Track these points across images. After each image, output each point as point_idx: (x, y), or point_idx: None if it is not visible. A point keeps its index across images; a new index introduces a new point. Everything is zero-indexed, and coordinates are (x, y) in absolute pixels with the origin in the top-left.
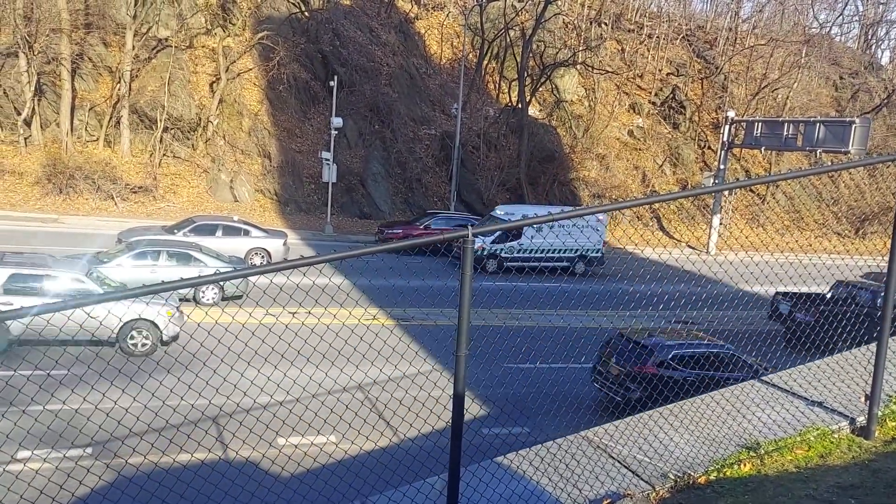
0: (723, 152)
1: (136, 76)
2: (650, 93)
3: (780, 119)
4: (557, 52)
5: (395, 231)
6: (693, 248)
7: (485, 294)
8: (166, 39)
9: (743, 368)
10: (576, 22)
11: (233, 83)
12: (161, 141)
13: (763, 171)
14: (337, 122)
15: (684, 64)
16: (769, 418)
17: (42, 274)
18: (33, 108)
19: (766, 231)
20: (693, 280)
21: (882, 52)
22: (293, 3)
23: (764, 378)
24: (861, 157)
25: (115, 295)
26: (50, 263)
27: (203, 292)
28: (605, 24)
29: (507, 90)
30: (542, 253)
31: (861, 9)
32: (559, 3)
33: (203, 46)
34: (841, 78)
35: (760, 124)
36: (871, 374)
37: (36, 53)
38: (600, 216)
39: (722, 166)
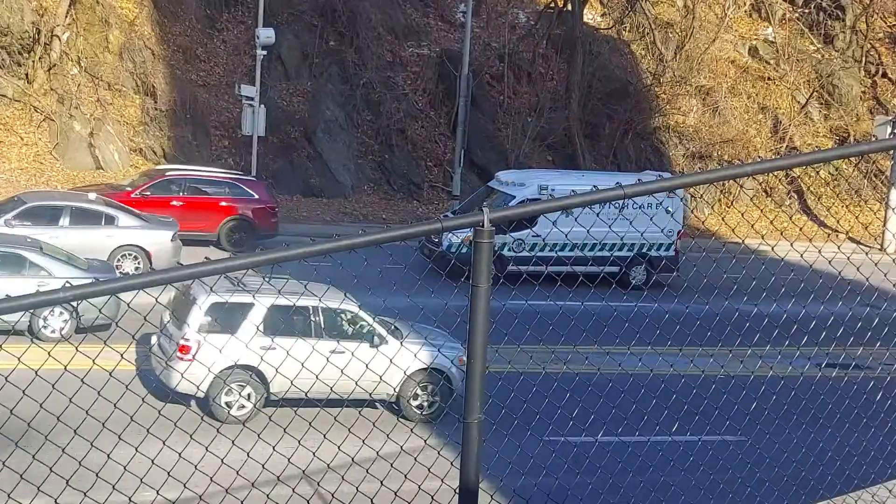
0: None
1: None
2: None
3: None
4: None
5: None
6: (858, 243)
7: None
8: None
9: None
10: None
11: None
12: None
13: None
14: (266, 35)
15: None
16: None
17: None
18: None
19: None
20: (859, 295)
21: None
22: None
23: None
24: None
25: None
26: None
27: (45, 320)
28: None
29: None
30: (572, 250)
31: None
32: None
33: None
34: None
35: None
36: None
37: None
38: (676, 190)
39: None
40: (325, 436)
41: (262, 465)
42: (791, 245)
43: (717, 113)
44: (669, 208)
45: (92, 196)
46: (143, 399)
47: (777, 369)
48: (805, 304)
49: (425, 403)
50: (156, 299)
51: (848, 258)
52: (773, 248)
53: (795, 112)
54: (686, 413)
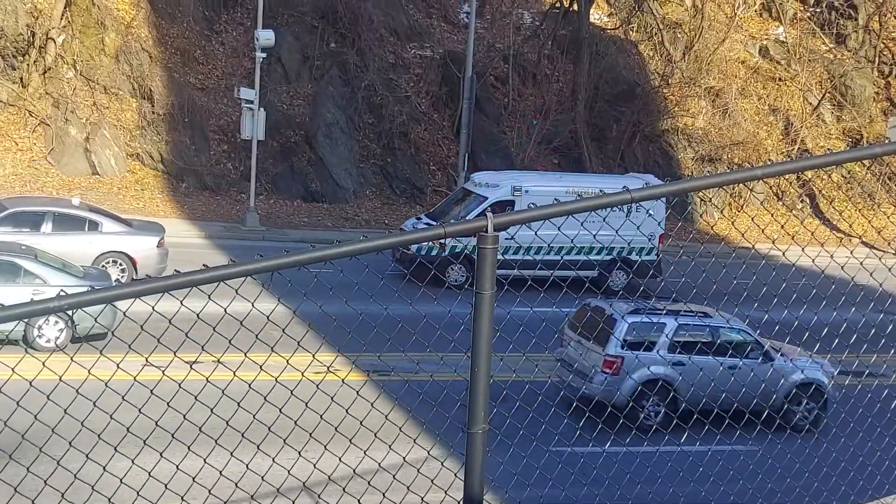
0: None
1: None
2: None
3: None
4: None
5: None
6: (871, 247)
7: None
8: None
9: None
10: None
11: None
12: None
13: None
14: (266, 37)
15: None
16: None
17: None
18: None
19: None
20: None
21: None
22: None
23: None
24: None
25: None
26: None
27: (40, 330)
28: None
29: None
30: (549, 253)
31: None
32: None
33: None
34: None
35: None
36: None
37: None
38: None
39: None
40: (325, 447)
41: (262, 478)
42: (802, 250)
43: (726, 115)
44: (651, 211)
45: (75, 201)
46: (139, 410)
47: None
48: (817, 311)
49: (806, 413)
50: (153, 307)
51: (861, 263)
52: (784, 253)
53: (807, 114)
54: (696, 422)
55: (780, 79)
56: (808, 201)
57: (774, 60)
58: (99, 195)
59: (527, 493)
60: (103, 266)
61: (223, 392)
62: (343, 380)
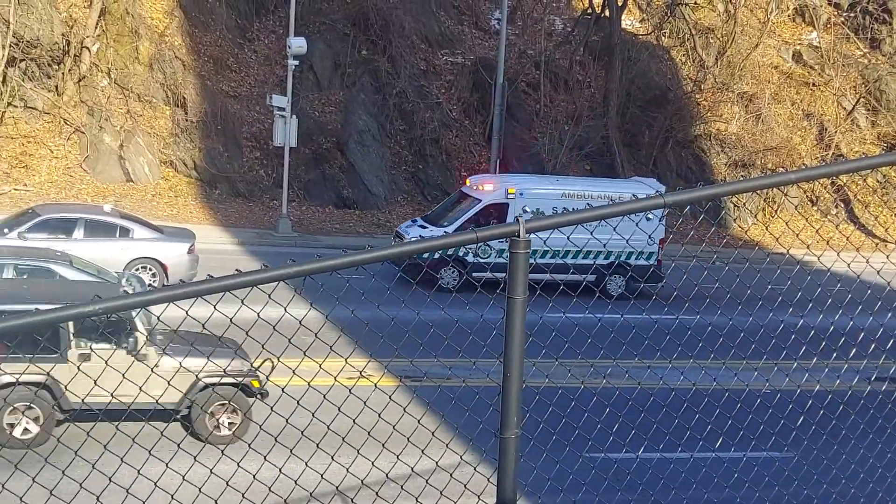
0: None
1: None
2: None
3: None
4: None
5: None
6: None
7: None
8: None
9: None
10: None
11: None
12: (4, 81)
13: None
14: (298, 45)
15: None
16: None
17: None
18: None
19: None
20: None
21: None
22: None
23: None
24: None
25: None
26: None
27: None
28: None
29: None
30: (544, 258)
31: None
32: None
33: None
34: None
35: None
36: None
37: None
38: (653, 190)
39: None
40: (358, 451)
41: (295, 482)
42: (838, 255)
43: (760, 120)
44: (650, 215)
45: (107, 208)
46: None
47: (824, 383)
48: (853, 316)
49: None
50: (186, 312)
51: None
52: (819, 258)
53: (841, 119)
54: (730, 428)
55: (813, 84)
56: (842, 206)
57: (808, 65)
58: (133, 202)
59: (560, 499)
60: (136, 271)
61: (257, 396)
62: (375, 384)
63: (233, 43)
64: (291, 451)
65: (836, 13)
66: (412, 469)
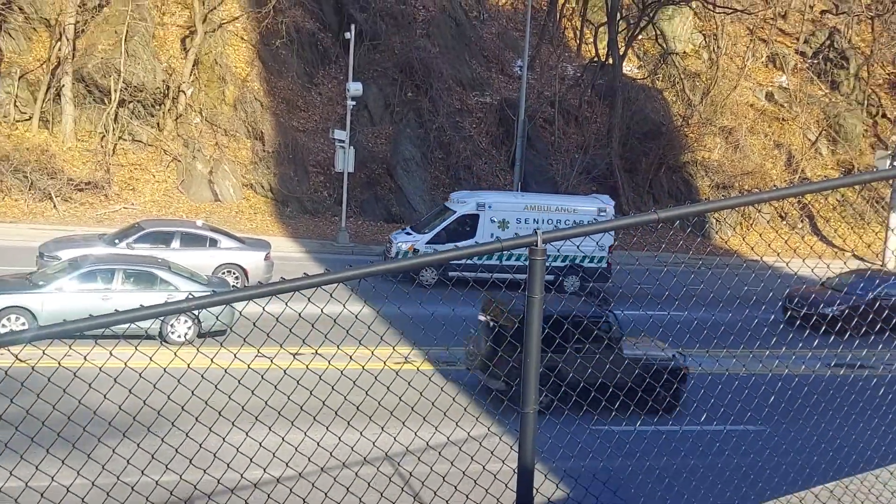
0: None
1: (83, 31)
2: (797, 39)
3: None
4: None
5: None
6: (862, 259)
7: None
8: None
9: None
10: None
11: (213, 38)
12: (116, 119)
13: None
14: (355, 88)
15: None
16: None
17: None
18: None
19: None
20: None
21: None
22: None
23: None
24: None
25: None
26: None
27: (173, 327)
28: None
29: (592, 40)
30: (508, 259)
31: None
32: None
33: None
34: None
35: None
36: None
37: None
38: (605, 206)
39: None
40: (403, 423)
41: (352, 448)
42: (803, 261)
43: (738, 149)
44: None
45: (199, 223)
46: (252, 391)
47: (792, 368)
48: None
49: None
50: (263, 308)
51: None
52: (787, 265)
53: (806, 148)
54: (713, 405)
55: (783, 119)
56: (807, 221)
57: (778, 103)
58: (220, 218)
59: (571, 464)
60: (222, 275)
61: (320, 378)
62: (418, 368)
63: (302, 87)
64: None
65: (801, 60)
66: (448, 438)
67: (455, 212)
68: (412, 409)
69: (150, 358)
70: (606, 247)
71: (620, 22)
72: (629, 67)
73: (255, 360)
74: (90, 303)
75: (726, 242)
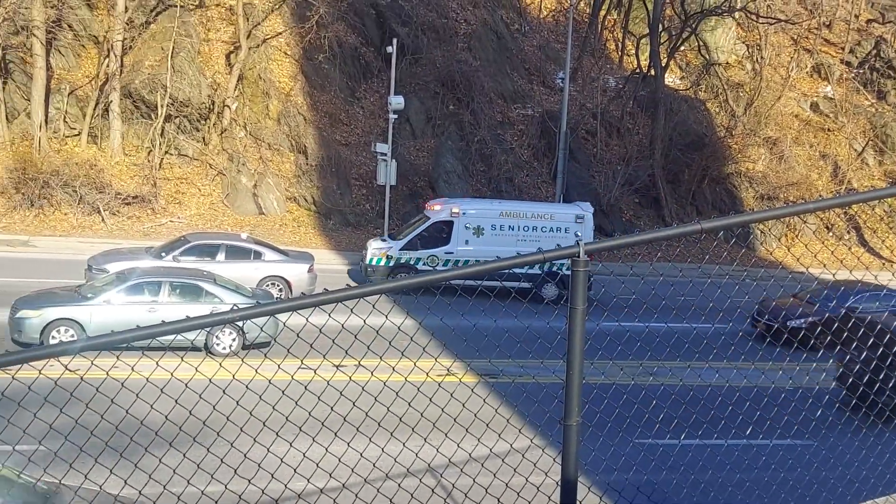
0: None
1: (130, 48)
2: (842, 49)
3: None
4: None
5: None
6: None
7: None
8: None
9: None
10: None
11: (257, 53)
12: (162, 134)
13: None
14: (397, 102)
15: (894, 5)
16: None
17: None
18: None
19: None
20: None
21: None
22: None
23: None
24: None
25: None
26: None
27: (218, 338)
28: None
29: (634, 51)
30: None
31: None
32: None
33: (217, 5)
34: None
35: None
36: None
37: (0, 21)
38: (583, 212)
39: None
40: (446, 435)
41: (395, 459)
42: (850, 272)
43: (782, 160)
44: (578, 232)
45: (243, 235)
46: (296, 402)
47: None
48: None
49: None
50: (307, 319)
51: None
52: (834, 275)
53: (853, 158)
54: (759, 419)
55: (828, 129)
56: (854, 232)
57: (824, 114)
58: (264, 231)
59: (614, 477)
60: (266, 287)
61: (363, 389)
62: (460, 380)
63: (344, 101)
64: (392, 433)
65: (847, 70)
66: (491, 450)
67: (429, 218)
68: (455, 420)
69: (196, 369)
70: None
71: (662, 33)
72: (671, 78)
73: (298, 371)
74: (137, 315)
75: (771, 254)
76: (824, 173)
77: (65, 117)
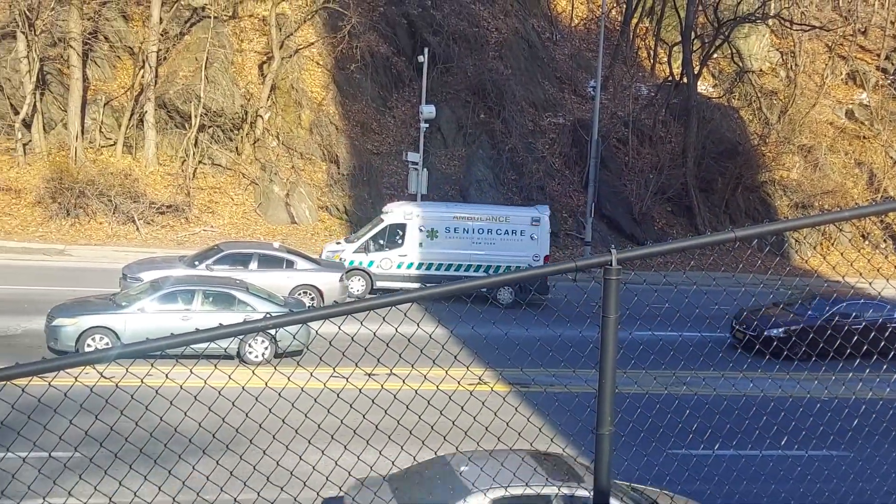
0: None
1: (165, 58)
2: (878, 56)
3: None
4: (739, 2)
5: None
6: None
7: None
8: (203, 9)
9: None
10: None
11: (289, 63)
12: (196, 144)
13: None
14: (428, 111)
15: None
16: None
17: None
18: (34, 105)
19: None
20: None
21: None
22: None
23: None
24: None
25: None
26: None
27: (250, 346)
28: None
29: (666, 59)
30: (438, 270)
31: None
32: None
33: (250, 16)
34: None
35: None
36: None
37: (38, 33)
38: (539, 215)
39: None
40: (478, 443)
41: None
42: (887, 281)
43: (817, 168)
44: (534, 235)
45: (276, 244)
46: (328, 410)
47: (876, 392)
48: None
49: None
50: (339, 327)
51: None
52: (870, 284)
53: (889, 166)
54: (794, 429)
55: (864, 137)
56: (891, 241)
57: (859, 121)
58: (296, 240)
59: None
60: (298, 296)
61: (395, 397)
62: (492, 388)
63: (376, 110)
64: (423, 441)
65: (883, 77)
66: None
67: (382, 220)
68: (486, 429)
69: (229, 376)
70: (541, 257)
71: (695, 41)
72: (704, 86)
73: (330, 379)
74: (171, 323)
75: (806, 262)
76: (860, 181)
77: (100, 128)
